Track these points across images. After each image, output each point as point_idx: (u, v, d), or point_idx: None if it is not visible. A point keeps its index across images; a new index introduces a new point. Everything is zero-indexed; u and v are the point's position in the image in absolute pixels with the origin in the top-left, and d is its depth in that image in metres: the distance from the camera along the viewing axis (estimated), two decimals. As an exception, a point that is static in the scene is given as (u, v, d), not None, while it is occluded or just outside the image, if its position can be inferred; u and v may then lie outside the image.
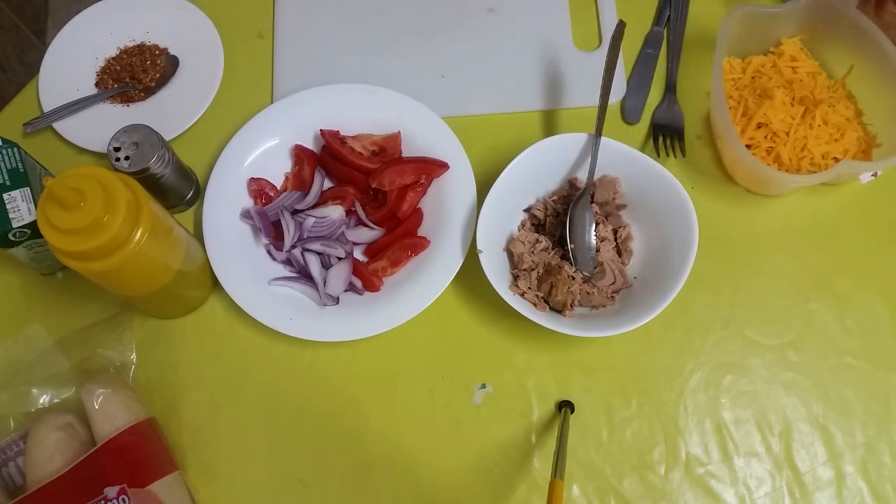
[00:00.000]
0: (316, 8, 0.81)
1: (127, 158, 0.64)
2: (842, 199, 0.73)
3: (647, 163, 0.67)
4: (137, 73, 0.77)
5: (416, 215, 0.71)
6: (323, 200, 0.73)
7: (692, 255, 0.62)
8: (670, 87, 0.77)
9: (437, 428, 0.67)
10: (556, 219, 0.69)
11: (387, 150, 0.73)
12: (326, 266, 0.70)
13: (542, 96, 0.77)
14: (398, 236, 0.70)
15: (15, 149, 0.64)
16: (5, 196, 0.62)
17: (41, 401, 0.65)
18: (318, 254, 0.70)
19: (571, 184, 0.71)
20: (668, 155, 0.74)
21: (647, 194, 0.67)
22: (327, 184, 0.74)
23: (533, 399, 0.67)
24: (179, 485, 0.63)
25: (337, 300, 0.69)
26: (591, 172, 0.68)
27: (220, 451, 0.66)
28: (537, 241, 0.68)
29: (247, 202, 0.72)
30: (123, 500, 0.57)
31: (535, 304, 0.65)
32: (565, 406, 0.65)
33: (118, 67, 0.78)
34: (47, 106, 0.76)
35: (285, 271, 0.71)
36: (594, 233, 0.68)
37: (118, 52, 0.79)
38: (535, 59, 0.78)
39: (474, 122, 0.76)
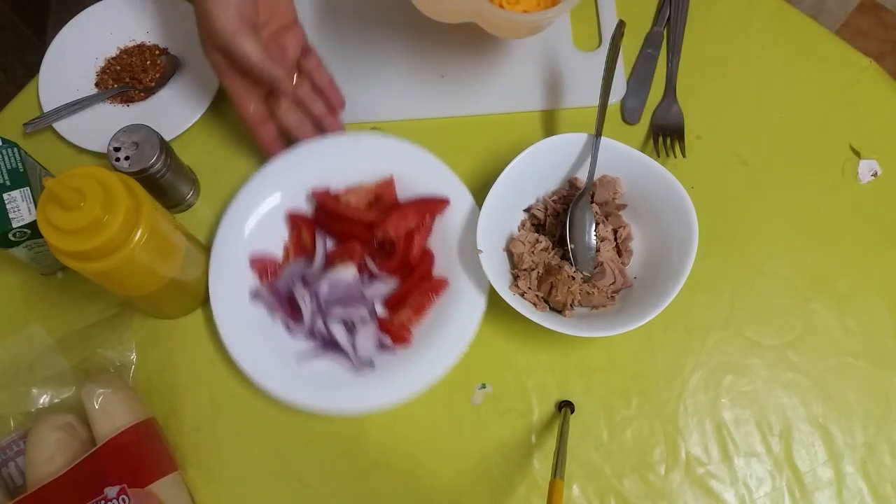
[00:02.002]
0: (315, 7, 0.81)
1: (127, 158, 0.64)
2: (842, 199, 0.73)
3: (647, 163, 0.67)
4: (137, 73, 0.77)
5: (427, 257, 0.69)
6: (330, 263, 0.69)
7: (692, 256, 0.62)
8: (670, 88, 0.77)
9: (437, 428, 0.67)
10: (556, 219, 0.69)
11: (383, 197, 0.70)
12: (351, 330, 0.66)
13: (542, 96, 0.77)
14: (415, 282, 0.67)
15: (15, 149, 0.64)
16: (5, 196, 0.62)
17: (41, 401, 0.65)
18: (341, 319, 0.66)
19: (571, 184, 0.71)
20: (667, 155, 0.74)
21: (647, 194, 0.67)
22: (330, 244, 0.71)
23: (533, 399, 0.67)
24: (179, 485, 0.63)
25: (372, 363, 0.65)
26: (591, 172, 0.68)
27: (220, 451, 0.66)
28: (537, 241, 0.68)
29: (253, 283, 0.68)
30: (123, 500, 0.57)
31: (535, 304, 0.65)
32: (565, 406, 0.66)
33: (118, 67, 0.78)
34: (47, 106, 0.76)
35: (310, 345, 0.67)
36: (594, 233, 0.68)
37: (118, 52, 0.79)
38: (535, 59, 0.78)
39: (474, 122, 0.76)
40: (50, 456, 0.59)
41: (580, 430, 0.66)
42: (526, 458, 0.66)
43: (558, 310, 0.66)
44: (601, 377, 0.68)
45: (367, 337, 0.65)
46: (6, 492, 0.62)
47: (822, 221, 0.72)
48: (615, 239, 0.69)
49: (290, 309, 0.67)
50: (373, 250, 0.70)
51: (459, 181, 0.70)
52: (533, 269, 0.67)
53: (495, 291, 0.63)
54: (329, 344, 0.66)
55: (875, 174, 0.73)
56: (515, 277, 0.67)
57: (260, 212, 0.69)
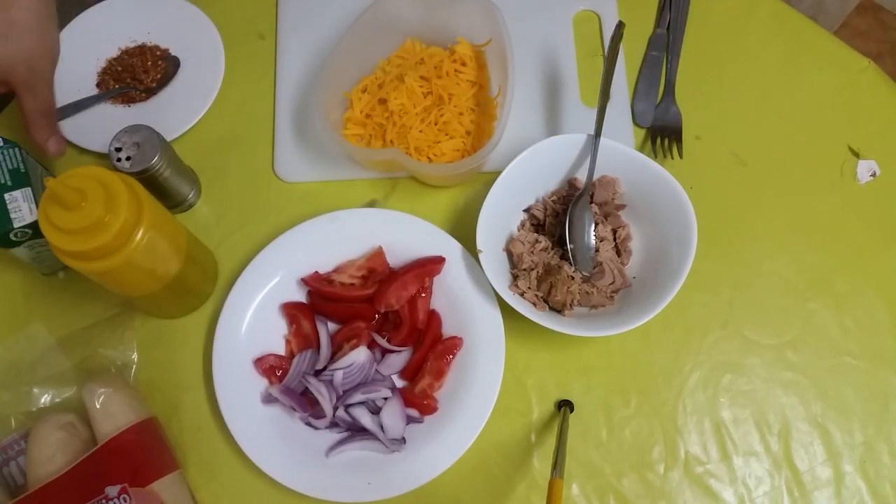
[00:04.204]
0: (318, 9, 0.81)
1: (128, 159, 0.65)
2: (840, 200, 0.73)
3: (646, 163, 0.67)
4: (138, 73, 0.77)
5: (435, 318, 0.68)
6: (338, 347, 0.67)
7: (691, 255, 0.63)
8: (669, 89, 0.77)
9: (437, 427, 0.67)
10: (555, 219, 0.70)
11: (376, 269, 0.68)
12: (375, 411, 0.64)
13: (542, 97, 0.77)
14: (428, 347, 0.66)
15: (16, 149, 0.65)
16: (7, 196, 0.62)
17: (42, 400, 0.65)
18: (363, 403, 0.64)
19: (571, 184, 0.71)
20: (664, 157, 0.74)
21: (646, 195, 0.68)
22: (332, 327, 0.69)
23: (532, 398, 0.67)
24: (181, 484, 0.63)
25: (403, 440, 0.64)
26: (591, 173, 0.68)
27: (220, 450, 0.66)
28: (537, 240, 0.68)
29: (262, 386, 0.66)
30: (125, 500, 0.57)
31: (534, 304, 0.66)
32: (565, 405, 0.66)
33: (119, 68, 0.78)
34: (48, 106, 0.76)
35: (336, 435, 0.65)
36: (593, 233, 0.68)
37: (119, 53, 0.79)
38: (535, 60, 0.78)
39: (474, 123, 0.76)
40: (51, 455, 0.60)
41: (579, 430, 0.66)
42: (525, 457, 0.66)
43: (558, 309, 0.67)
44: (600, 376, 0.68)
45: (393, 415, 0.64)
46: (7, 491, 0.63)
47: (821, 221, 0.72)
48: (614, 239, 0.69)
49: (308, 405, 0.64)
50: (378, 325, 0.68)
51: (444, 233, 0.68)
52: (532, 269, 0.67)
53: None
54: (356, 430, 0.65)
55: (874, 174, 0.74)
56: (515, 277, 0.67)
57: (252, 311, 0.67)
